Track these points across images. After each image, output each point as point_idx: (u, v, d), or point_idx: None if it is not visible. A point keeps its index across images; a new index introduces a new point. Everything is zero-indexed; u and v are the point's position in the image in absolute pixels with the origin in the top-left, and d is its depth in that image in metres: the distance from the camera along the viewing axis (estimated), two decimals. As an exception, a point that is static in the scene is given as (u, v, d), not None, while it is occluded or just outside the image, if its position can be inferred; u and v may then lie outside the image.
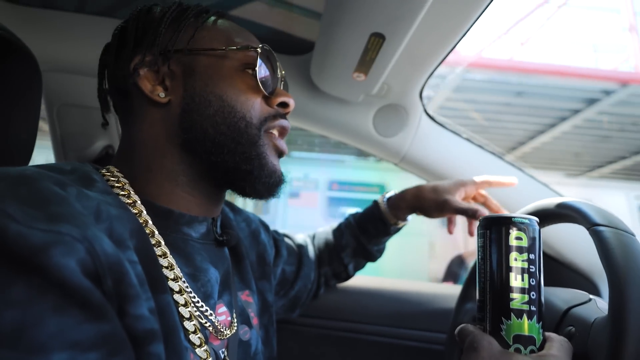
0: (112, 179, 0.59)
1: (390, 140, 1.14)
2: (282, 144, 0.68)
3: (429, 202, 0.98)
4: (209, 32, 0.65)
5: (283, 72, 0.72)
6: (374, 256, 1.07)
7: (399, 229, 1.06)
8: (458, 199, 0.96)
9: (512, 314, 0.50)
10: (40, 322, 0.37)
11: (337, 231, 1.08)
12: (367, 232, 1.04)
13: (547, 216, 0.71)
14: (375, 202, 1.05)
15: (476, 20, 0.81)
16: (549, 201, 0.71)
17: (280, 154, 0.68)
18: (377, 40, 0.80)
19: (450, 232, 1.00)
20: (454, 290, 1.28)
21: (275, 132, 0.67)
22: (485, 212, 0.93)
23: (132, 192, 0.58)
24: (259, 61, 0.63)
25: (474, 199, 1.01)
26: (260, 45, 0.65)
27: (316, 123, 1.16)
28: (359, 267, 1.10)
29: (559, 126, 6.32)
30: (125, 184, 0.59)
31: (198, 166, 0.63)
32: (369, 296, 1.25)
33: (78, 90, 1.09)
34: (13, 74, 0.62)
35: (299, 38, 1.09)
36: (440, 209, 0.96)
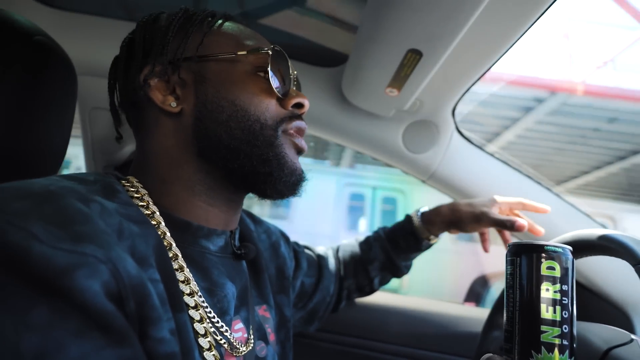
0: (132, 189, 0.58)
1: (419, 156, 1.12)
2: (300, 141, 0.66)
3: (466, 214, 0.96)
4: (218, 37, 0.63)
5: (295, 73, 0.70)
6: (401, 271, 1.06)
7: (430, 245, 1.04)
8: (495, 211, 0.95)
9: (542, 347, 0.47)
10: (62, 348, 0.37)
11: (365, 244, 1.06)
12: (398, 246, 1.03)
13: (586, 247, 0.68)
14: (408, 217, 1.04)
15: (515, 42, 0.79)
16: (590, 232, 0.68)
17: (299, 151, 0.67)
18: (413, 57, 0.78)
19: (485, 250, 0.99)
20: (478, 313, 1.24)
21: (293, 131, 0.65)
22: (524, 224, 0.91)
23: (150, 203, 0.58)
24: (270, 63, 0.62)
25: (511, 213, 1.00)
26: (271, 47, 0.63)
27: (345, 136, 1.14)
28: (384, 281, 1.08)
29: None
30: (144, 194, 0.58)
31: (215, 174, 0.62)
32: (390, 314, 1.22)
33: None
34: (50, 78, 0.63)
35: (331, 49, 1.08)
36: (477, 221, 0.95)
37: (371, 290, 1.09)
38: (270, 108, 0.62)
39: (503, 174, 1.13)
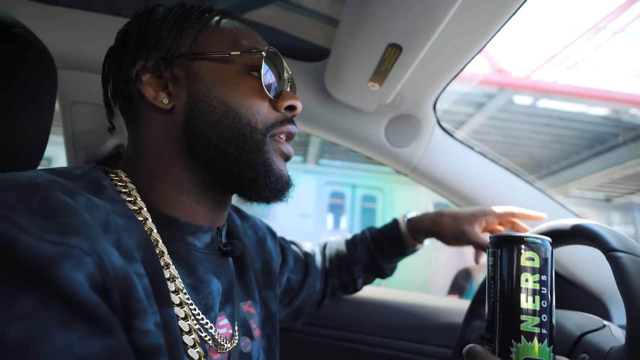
0: (120, 184, 0.58)
1: (401, 150, 1.13)
2: (287, 148, 0.66)
3: (447, 229, 0.97)
4: (213, 34, 0.63)
5: (290, 74, 0.70)
6: (385, 273, 1.06)
7: (415, 251, 1.04)
8: (478, 230, 0.95)
9: (522, 336, 0.48)
10: (46, 337, 0.37)
11: (351, 244, 1.07)
12: (383, 249, 1.03)
13: (562, 237, 0.70)
14: (395, 221, 1.04)
15: (494, 36, 0.80)
16: (564, 222, 0.69)
17: (286, 158, 0.66)
18: (394, 51, 0.79)
19: (476, 262, 0.99)
20: (460, 304, 1.26)
21: (282, 137, 0.65)
22: None
23: (138, 199, 0.58)
24: (264, 65, 0.61)
25: (502, 224, 0.99)
26: (266, 48, 0.62)
27: (327, 130, 1.15)
28: (367, 282, 1.09)
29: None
30: (132, 189, 0.58)
31: (203, 172, 0.62)
32: (374, 307, 1.23)
33: (91, 88, 1.09)
34: (29, 71, 0.62)
35: (314, 44, 1.08)
36: (457, 239, 0.96)
37: (354, 290, 1.10)
38: (261, 111, 0.61)
39: (484, 167, 1.14)
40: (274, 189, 0.63)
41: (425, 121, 1.11)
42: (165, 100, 0.60)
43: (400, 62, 0.83)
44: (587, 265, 1.07)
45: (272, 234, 0.93)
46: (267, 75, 0.62)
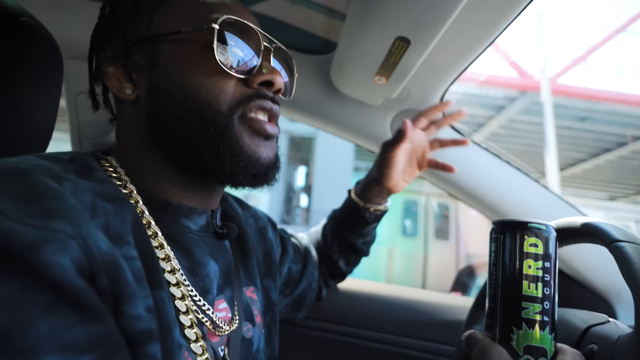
0: (110, 169, 0.57)
1: (407, 145, 1.12)
2: (263, 125, 0.59)
3: (378, 166, 0.95)
4: (174, 11, 0.57)
5: (274, 45, 0.62)
6: (361, 250, 1.04)
7: (378, 216, 1.01)
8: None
9: (523, 323, 0.47)
10: (31, 324, 0.36)
11: (324, 228, 1.06)
12: (347, 224, 1.01)
13: (566, 235, 0.69)
14: (348, 191, 1.02)
15: (502, 32, 0.80)
16: (567, 220, 0.69)
17: (266, 137, 0.60)
18: (401, 45, 0.79)
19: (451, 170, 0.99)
20: (463, 302, 1.26)
21: (255, 115, 0.58)
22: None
23: (128, 182, 0.57)
24: (225, 37, 0.55)
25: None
26: (224, 17, 0.55)
27: (332, 124, 1.15)
28: (350, 262, 1.07)
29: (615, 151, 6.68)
30: (121, 174, 0.57)
31: (175, 163, 0.59)
32: (376, 302, 1.23)
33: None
34: (35, 60, 0.62)
35: (320, 37, 1.08)
36: (388, 166, 0.93)
37: (342, 274, 1.08)
38: (225, 90, 0.56)
39: (490, 163, 1.14)
40: (250, 173, 0.58)
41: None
42: (129, 91, 0.58)
43: (407, 56, 0.82)
44: (594, 264, 1.06)
45: (273, 224, 0.93)
46: (230, 50, 0.56)
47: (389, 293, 1.26)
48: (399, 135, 0.91)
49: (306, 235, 1.10)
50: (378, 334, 1.19)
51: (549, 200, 1.12)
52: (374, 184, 0.97)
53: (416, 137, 0.96)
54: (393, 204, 1.07)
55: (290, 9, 1.06)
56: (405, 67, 0.87)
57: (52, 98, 0.67)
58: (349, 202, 1.01)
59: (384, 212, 1.02)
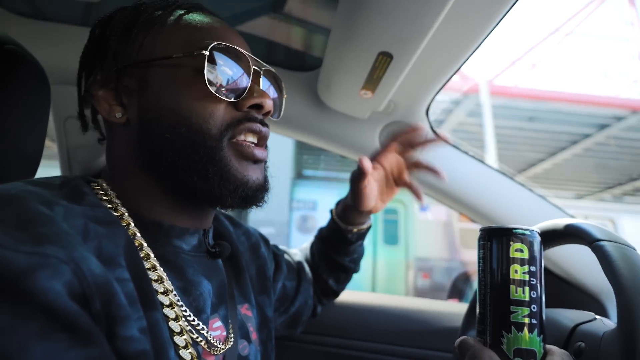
0: (101, 192, 0.57)
1: (396, 157, 1.13)
2: (251, 149, 0.59)
3: (354, 190, 0.90)
4: (166, 35, 0.58)
5: (263, 69, 0.63)
6: (349, 268, 1.03)
7: (361, 234, 0.99)
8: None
9: (512, 327, 0.48)
10: (25, 350, 0.36)
11: (311, 247, 1.06)
12: (332, 245, 1.00)
13: (550, 237, 0.70)
14: (330, 211, 1.01)
15: (482, 42, 0.82)
16: (551, 222, 0.70)
17: (255, 161, 0.61)
18: (384, 59, 0.80)
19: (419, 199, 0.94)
20: (459, 308, 1.26)
21: (244, 137, 0.59)
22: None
23: (119, 205, 0.57)
24: (214, 62, 0.56)
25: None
26: (214, 44, 0.56)
27: (322, 139, 1.16)
28: (340, 281, 1.05)
29: (569, 149, 6.72)
30: (112, 196, 0.57)
31: (166, 185, 0.59)
32: (373, 313, 1.23)
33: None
34: (22, 87, 0.63)
35: (306, 54, 1.09)
36: (358, 185, 0.87)
37: (334, 293, 1.07)
38: (215, 114, 0.56)
39: (478, 171, 1.15)
40: (239, 196, 0.58)
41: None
42: (119, 114, 0.58)
43: (391, 70, 0.84)
44: (584, 265, 1.07)
45: (265, 241, 0.93)
46: (220, 74, 0.56)
47: (385, 303, 1.26)
48: (362, 173, 0.86)
49: (299, 251, 1.09)
50: (376, 344, 1.19)
51: (536, 203, 1.13)
52: (352, 209, 0.95)
53: (388, 160, 0.93)
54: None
55: (277, 28, 1.08)
56: (390, 81, 0.89)
57: (40, 124, 0.67)
58: (331, 223, 1.00)
59: (368, 229, 1.01)
